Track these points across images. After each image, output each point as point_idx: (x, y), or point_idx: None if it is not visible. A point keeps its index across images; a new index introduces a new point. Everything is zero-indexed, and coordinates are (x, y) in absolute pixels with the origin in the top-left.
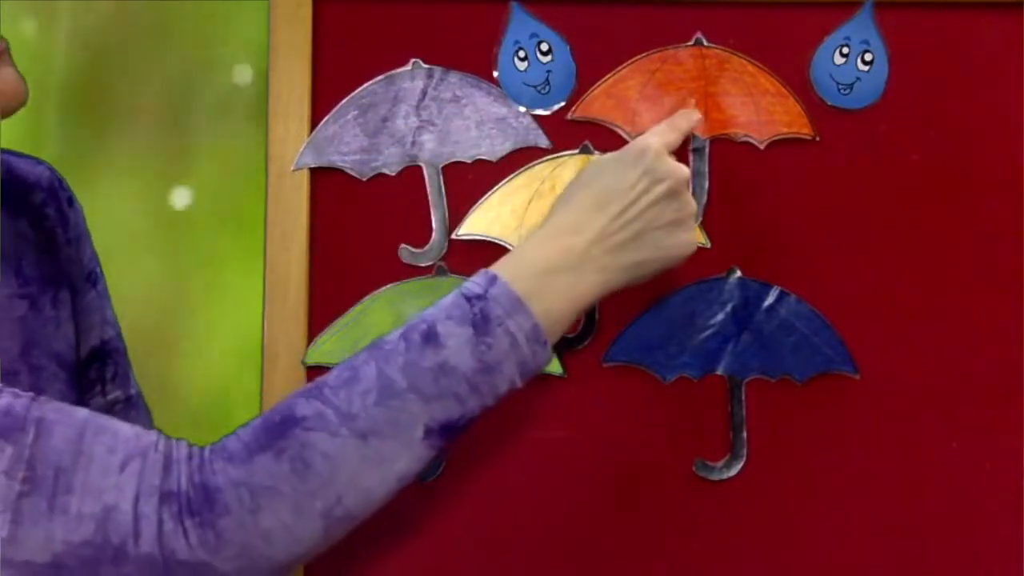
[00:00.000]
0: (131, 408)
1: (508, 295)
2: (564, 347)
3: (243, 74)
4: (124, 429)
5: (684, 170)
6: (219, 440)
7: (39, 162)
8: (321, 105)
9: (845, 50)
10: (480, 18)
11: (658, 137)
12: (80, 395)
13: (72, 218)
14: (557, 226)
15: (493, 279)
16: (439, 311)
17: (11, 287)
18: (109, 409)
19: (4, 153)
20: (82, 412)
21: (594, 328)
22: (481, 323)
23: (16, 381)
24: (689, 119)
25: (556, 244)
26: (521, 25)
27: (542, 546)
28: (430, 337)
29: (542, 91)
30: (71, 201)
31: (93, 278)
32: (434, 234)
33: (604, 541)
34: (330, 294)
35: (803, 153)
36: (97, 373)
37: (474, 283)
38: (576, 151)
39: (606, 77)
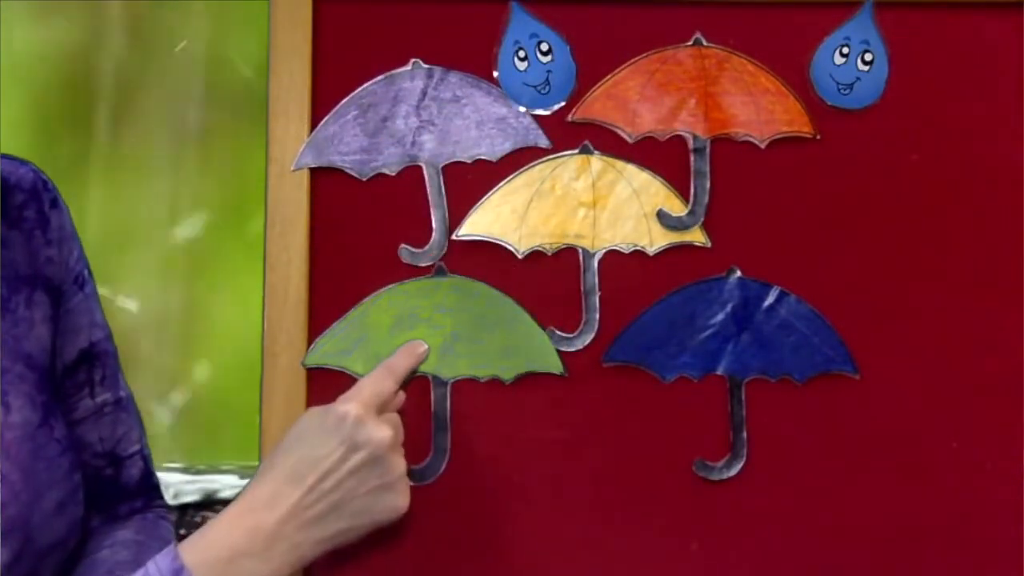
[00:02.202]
0: (120, 411)
1: None
2: (564, 347)
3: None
4: None
5: (385, 435)
6: None
7: (22, 163)
8: (321, 105)
9: (845, 50)
10: (480, 18)
11: (361, 396)
12: (58, 398)
13: (54, 220)
14: (251, 501)
15: (179, 571)
16: None
17: None
18: (99, 411)
19: None
20: None
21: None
22: None
23: None
24: (409, 356)
25: (246, 524)
26: (521, 25)
27: (542, 546)
28: None
29: (542, 91)
30: (55, 202)
31: (80, 281)
32: (434, 234)
33: (604, 541)
34: (330, 294)
35: (804, 153)
36: (86, 375)
37: (158, 571)
38: (576, 151)
39: (606, 78)
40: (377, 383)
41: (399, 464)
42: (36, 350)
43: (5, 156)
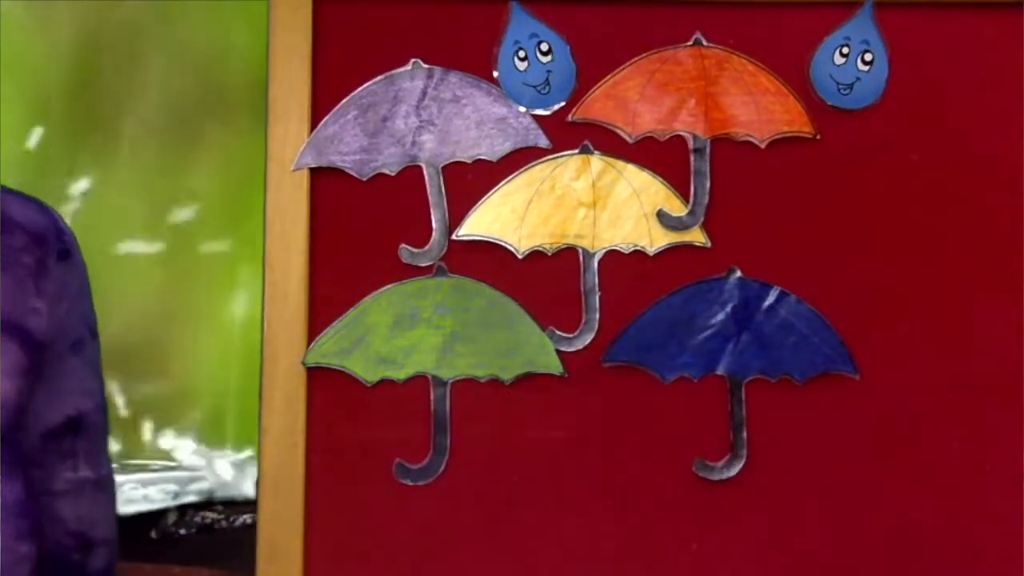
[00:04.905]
0: (99, 491)
1: None
2: (564, 347)
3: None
4: None
5: None
6: None
7: (42, 208)
8: (321, 105)
9: (845, 50)
10: (480, 18)
11: None
12: (26, 460)
13: (57, 273)
14: None
15: None
16: None
17: None
18: (79, 488)
19: (8, 193)
20: None
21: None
22: None
23: None
24: None
25: None
26: (521, 25)
27: (542, 546)
28: None
29: (542, 91)
30: (66, 255)
31: (78, 346)
32: (434, 234)
33: (604, 541)
34: (330, 294)
35: (803, 153)
36: (70, 445)
37: None
38: (576, 151)
39: (606, 78)
40: None
41: None
42: None
43: (27, 197)
